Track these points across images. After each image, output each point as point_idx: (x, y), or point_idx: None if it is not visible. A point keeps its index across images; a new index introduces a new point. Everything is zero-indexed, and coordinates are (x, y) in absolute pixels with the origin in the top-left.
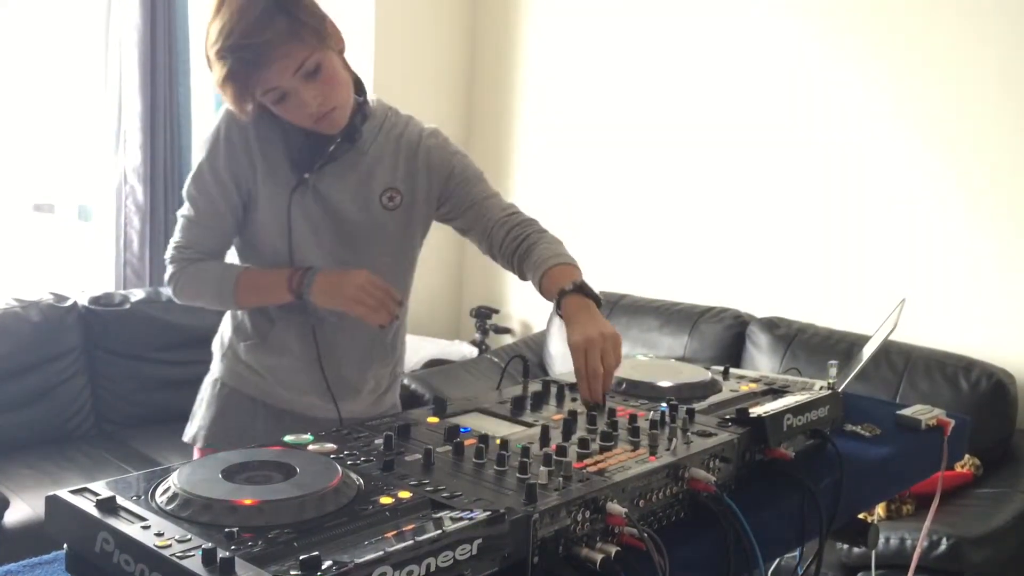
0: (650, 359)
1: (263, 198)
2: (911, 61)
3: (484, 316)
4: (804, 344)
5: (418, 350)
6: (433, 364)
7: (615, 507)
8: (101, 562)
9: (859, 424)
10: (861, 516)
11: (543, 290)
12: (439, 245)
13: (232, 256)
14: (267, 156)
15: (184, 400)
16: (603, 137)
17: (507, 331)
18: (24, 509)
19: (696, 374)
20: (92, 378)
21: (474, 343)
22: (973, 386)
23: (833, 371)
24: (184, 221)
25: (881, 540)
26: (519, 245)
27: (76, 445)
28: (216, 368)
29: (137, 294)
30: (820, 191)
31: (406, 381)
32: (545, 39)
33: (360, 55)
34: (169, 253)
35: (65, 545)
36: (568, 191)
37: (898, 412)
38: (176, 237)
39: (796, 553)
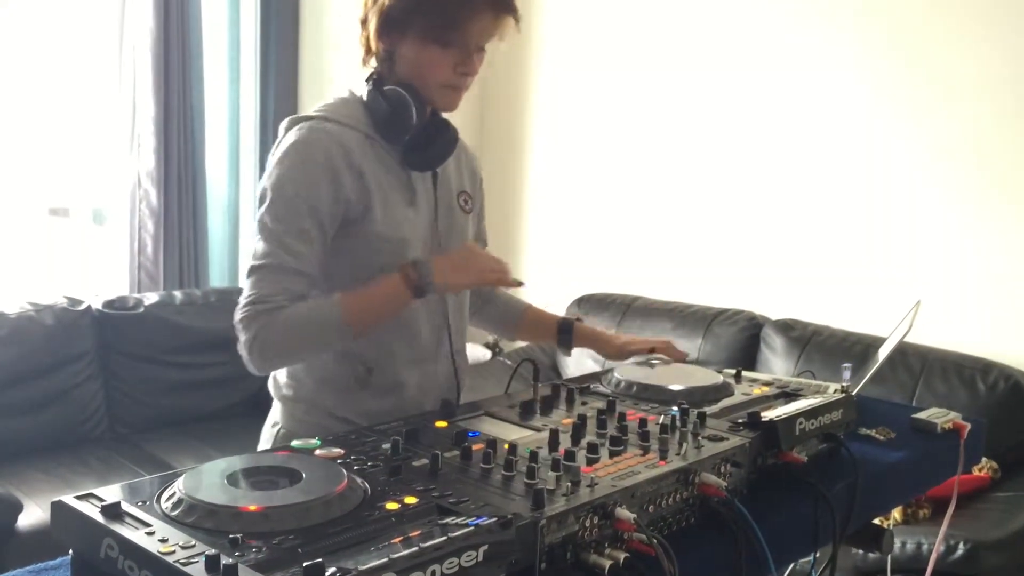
0: (662, 362)
1: (384, 207)
2: (923, 62)
3: None
4: (819, 346)
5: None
6: None
7: (624, 512)
8: (106, 568)
9: (873, 428)
10: (878, 520)
11: (533, 317)
12: None
13: None
14: (379, 162)
15: (198, 403)
16: (616, 138)
17: None
18: (37, 513)
19: (707, 377)
20: (106, 381)
21: (487, 346)
22: (991, 388)
23: (847, 374)
24: (264, 271)
25: (897, 544)
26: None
27: (90, 449)
28: (296, 425)
29: (151, 297)
30: (835, 193)
31: None
32: (559, 41)
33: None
34: (242, 314)
35: (71, 551)
36: (582, 192)
37: (913, 416)
38: (250, 292)
39: (810, 558)
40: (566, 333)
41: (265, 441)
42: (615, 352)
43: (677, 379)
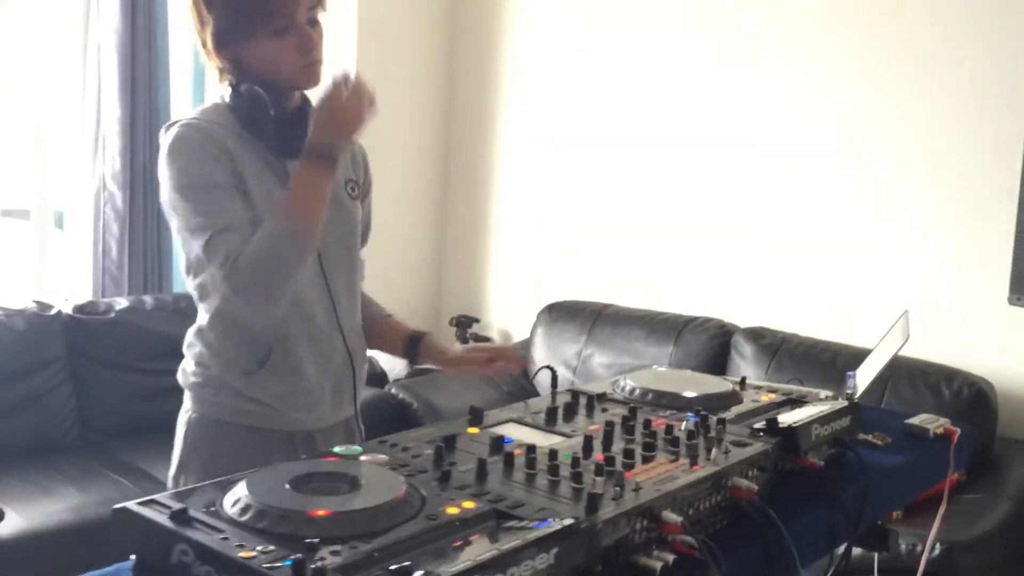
0: (666, 369)
1: (261, 191)
2: (891, 71)
3: (465, 325)
4: (789, 354)
5: (401, 359)
6: (417, 373)
7: (671, 516)
8: (178, 573)
9: (869, 433)
10: None
11: (388, 326)
12: (419, 253)
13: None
14: (243, 152)
15: (169, 409)
16: (587, 144)
17: (487, 340)
18: (15, 520)
19: (717, 384)
20: (77, 387)
21: None
22: (955, 395)
23: (851, 382)
24: (213, 244)
25: None
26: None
27: (62, 455)
28: (206, 408)
29: (121, 303)
30: (803, 201)
31: (393, 390)
32: (529, 41)
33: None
34: (221, 272)
35: (133, 556)
36: (551, 199)
37: (906, 421)
38: (219, 257)
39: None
40: (414, 346)
41: (179, 433)
42: (453, 362)
43: (689, 386)
